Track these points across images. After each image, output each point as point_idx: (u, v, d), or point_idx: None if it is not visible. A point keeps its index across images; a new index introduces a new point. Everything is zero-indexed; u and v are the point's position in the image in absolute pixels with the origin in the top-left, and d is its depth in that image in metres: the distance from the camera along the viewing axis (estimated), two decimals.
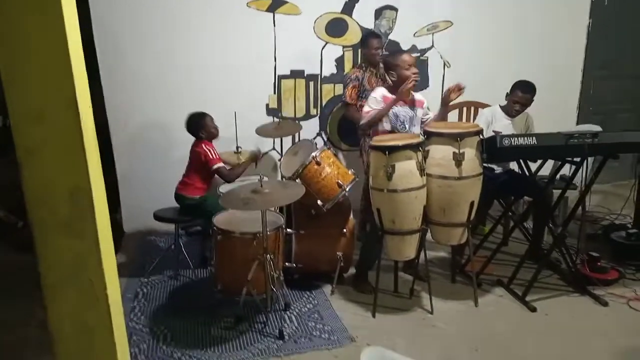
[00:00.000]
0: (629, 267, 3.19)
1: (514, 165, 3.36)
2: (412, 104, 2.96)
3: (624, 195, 4.05)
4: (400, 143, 2.58)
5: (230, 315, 2.75)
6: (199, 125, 3.23)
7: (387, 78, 2.93)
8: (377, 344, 2.50)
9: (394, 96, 2.85)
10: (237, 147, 3.71)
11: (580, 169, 2.88)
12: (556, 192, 3.36)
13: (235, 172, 3.31)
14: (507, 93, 3.43)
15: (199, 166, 3.23)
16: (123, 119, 3.85)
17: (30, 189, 1.41)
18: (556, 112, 4.48)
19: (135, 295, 3.04)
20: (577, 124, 4.72)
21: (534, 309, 2.80)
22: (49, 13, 1.30)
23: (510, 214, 3.38)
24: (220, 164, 3.23)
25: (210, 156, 3.19)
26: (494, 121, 3.43)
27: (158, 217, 3.36)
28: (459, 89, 2.86)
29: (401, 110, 2.90)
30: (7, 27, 1.30)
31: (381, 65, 3.74)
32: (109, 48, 3.67)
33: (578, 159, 2.88)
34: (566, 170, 3.06)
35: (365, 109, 2.90)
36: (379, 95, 2.88)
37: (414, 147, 2.60)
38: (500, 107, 3.49)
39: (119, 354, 1.65)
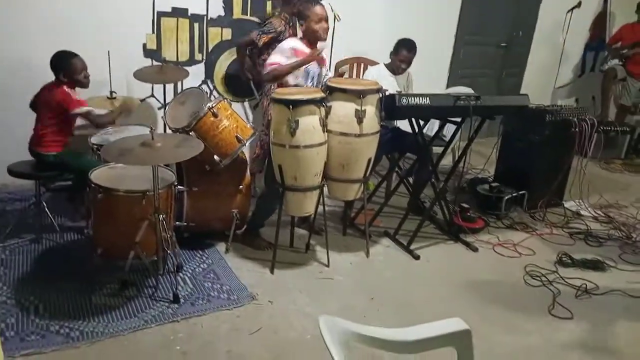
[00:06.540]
0: (492, 216, 3.61)
1: (399, 124, 3.54)
2: (320, 62, 2.91)
3: (481, 151, 4.55)
4: (304, 97, 2.50)
5: (114, 281, 2.50)
6: (62, 65, 2.72)
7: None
8: (278, 301, 2.49)
9: (304, 49, 2.74)
10: (111, 92, 3.28)
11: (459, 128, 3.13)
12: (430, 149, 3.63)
13: (105, 119, 2.89)
14: (391, 52, 3.52)
15: (53, 114, 2.75)
16: None
17: None
18: (431, 73, 4.77)
19: None
20: (447, 86, 5.10)
21: (417, 257, 3.03)
22: None
23: (396, 169, 3.55)
24: (87, 108, 2.76)
25: (71, 99, 2.72)
26: (380, 79, 3.51)
27: (14, 172, 2.84)
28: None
29: (311, 67, 2.81)
30: None
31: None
32: None
33: (458, 120, 3.11)
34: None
35: (271, 60, 2.73)
36: (288, 46, 2.74)
37: (318, 102, 2.54)
38: (385, 65, 3.59)
39: None
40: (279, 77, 2.74)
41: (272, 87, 3.15)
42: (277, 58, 2.74)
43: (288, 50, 2.74)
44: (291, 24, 3.48)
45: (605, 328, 2.48)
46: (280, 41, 3.19)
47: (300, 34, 2.86)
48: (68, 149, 2.88)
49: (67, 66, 2.73)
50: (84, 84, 2.81)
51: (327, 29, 2.79)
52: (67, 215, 3.13)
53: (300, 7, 2.91)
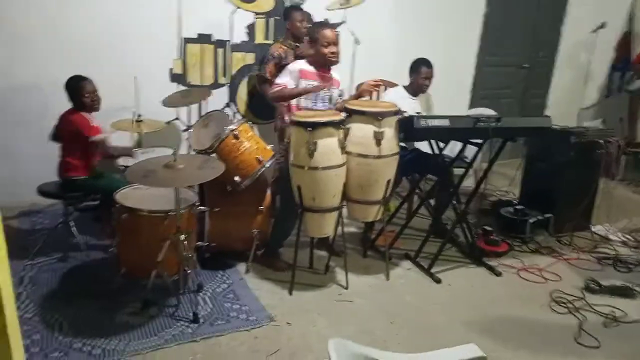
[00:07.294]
0: (516, 240, 3.53)
1: (419, 145, 3.53)
2: (332, 83, 2.93)
3: (504, 173, 4.49)
4: (322, 120, 2.53)
5: (136, 300, 2.53)
6: (71, 89, 2.84)
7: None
8: (297, 322, 2.48)
9: (311, 69, 2.79)
10: (138, 115, 3.37)
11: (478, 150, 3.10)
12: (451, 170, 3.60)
13: (117, 151, 2.97)
14: (411, 73, 3.52)
15: (75, 139, 2.84)
16: None
17: None
18: (453, 94, 4.76)
19: (20, 281, 2.66)
20: (470, 107, 5.08)
21: (438, 281, 2.98)
22: None
23: (417, 191, 3.53)
24: (102, 136, 2.83)
25: (85, 124, 2.81)
26: (400, 101, 3.51)
27: (44, 192, 2.95)
28: (375, 85, 2.92)
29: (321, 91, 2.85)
30: None
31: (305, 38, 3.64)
32: None
33: (480, 141, 3.08)
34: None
35: (278, 80, 2.79)
36: (295, 69, 2.79)
37: (336, 125, 2.56)
38: (404, 87, 3.59)
39: (15, 354, 1.40)
40: (281, 98, 2.78)
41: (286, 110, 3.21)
42: (284, 80, 2.79)
43: (295, 72, 2.79)
44: (294, 46, 3.56)
45: (634, 358, 2.38)
46: (285, 64, 3.26)
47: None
48: (94, 172, 2.98)
49: (72, 89, 2.84)
50: (87, 105, 2.84)
51: (337, 52, 2.81)
52: (93, 234, 3.21)
53: (311, 29, 2.96)
